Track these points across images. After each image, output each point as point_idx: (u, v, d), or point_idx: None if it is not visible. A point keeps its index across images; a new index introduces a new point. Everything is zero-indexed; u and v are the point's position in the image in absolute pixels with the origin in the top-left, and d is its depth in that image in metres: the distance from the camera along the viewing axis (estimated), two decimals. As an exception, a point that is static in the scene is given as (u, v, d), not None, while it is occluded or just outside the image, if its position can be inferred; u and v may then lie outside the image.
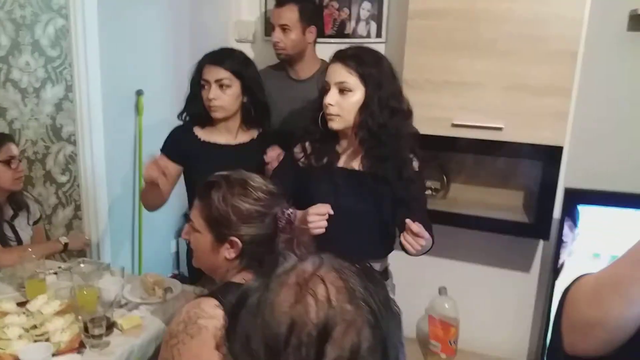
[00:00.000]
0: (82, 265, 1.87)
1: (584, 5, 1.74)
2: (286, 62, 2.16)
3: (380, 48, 2.25)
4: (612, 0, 1.90)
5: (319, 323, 0.56)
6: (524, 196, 2.08)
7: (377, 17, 2.23)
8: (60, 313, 1.58)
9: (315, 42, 2.15)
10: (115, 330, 1.57)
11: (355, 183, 1.59)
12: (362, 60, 1.50)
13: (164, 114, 3.47)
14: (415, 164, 1.59)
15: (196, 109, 1.86)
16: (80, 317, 1.50)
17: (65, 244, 2.19)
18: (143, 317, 1.65)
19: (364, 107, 1.49)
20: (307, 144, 1.63)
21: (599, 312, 0.81)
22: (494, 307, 2.30)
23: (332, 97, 1.52)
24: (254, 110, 1.84)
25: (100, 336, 1.48)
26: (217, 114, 1.81)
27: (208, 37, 3.37)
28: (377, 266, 1.68)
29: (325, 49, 2.30)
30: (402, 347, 0.63)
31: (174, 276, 2.52)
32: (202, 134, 1.89)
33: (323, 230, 1.44)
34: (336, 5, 2.28)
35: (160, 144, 2.01)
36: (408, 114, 1.57)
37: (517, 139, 1.83)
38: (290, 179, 1.63)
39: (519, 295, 2.21)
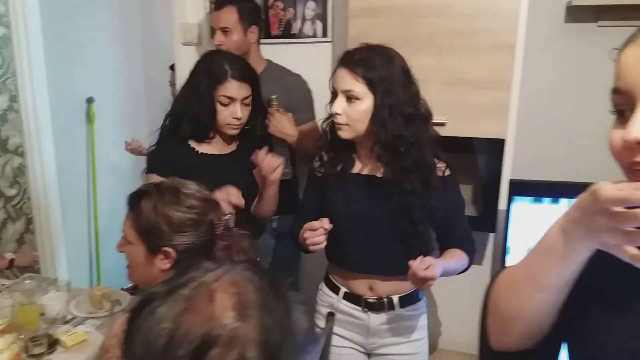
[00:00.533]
0: (27, 281, 1.82)
1: (521, -2, 1.77)
2: None
3: (327, 47, 2.25)
4: (549, -8, 1.94)
5: (198, 339, 0.54)
6: (472, 190, 2.10)
7: (322, 17, 2.22)
8: (0, 333, 1.54)
9: (258, 41, 2.13)
10: (58, 347, 1.53)
11: (371, 189, 1.49)
12: (369, 64, 1.39)
13: (118, 121, 3.43)
14: (443, 169, 1.48)
15: (208, 125, 1.71)
16: (22, 336, 1.46)
17: (11, 260, 2.13)
18: (89, 332, 1.61)
19: (375, 117, 1.40)
20: (323, 153, 1.56)
21: (516, 304, 0.82)
22: (449, 301, 2.33)
23: (339, 106, 1.42)
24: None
25: (41, 355, 1.44)
26: (234, 131, 1.73)
27: (159, 41, 3.34)
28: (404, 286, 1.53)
29: (272, 50, 2.30)
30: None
31: (133, 287, 2.48)
32: (199, 146, 1.75)
33: (320, 246, 1.40)
34: (281, 5, 2.27)
35: (115, 152, 1.92)
36: (426, 117, 1.46)
37: (460, 133, 1.85)
38: (314, 195, 1.59)
39: (472, 288, 2.23)
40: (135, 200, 1.20)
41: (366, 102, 1.39)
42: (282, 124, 1.98)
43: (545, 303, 0.76)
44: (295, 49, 2.28)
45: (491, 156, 1.91)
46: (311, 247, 1.41)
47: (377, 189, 1.47)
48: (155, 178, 1.67)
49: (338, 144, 1.50)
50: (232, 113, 1.67)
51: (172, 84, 2.73)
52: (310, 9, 2.23)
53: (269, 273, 0.64)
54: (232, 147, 1.79)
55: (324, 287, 1.67)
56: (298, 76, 2.15)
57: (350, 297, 1.58)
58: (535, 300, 0.78)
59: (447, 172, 1.48)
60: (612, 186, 0.60)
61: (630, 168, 0.63)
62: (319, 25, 2.23)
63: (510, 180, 1.93)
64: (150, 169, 1.75)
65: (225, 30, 2.03)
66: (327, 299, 1.64)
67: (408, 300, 1.56)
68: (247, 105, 1.71)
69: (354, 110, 1.40)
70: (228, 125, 1.70)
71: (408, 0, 1.81)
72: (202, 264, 0.63)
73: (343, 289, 1.59)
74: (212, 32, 2.11)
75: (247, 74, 1.70)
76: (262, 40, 2.23)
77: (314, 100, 2.14)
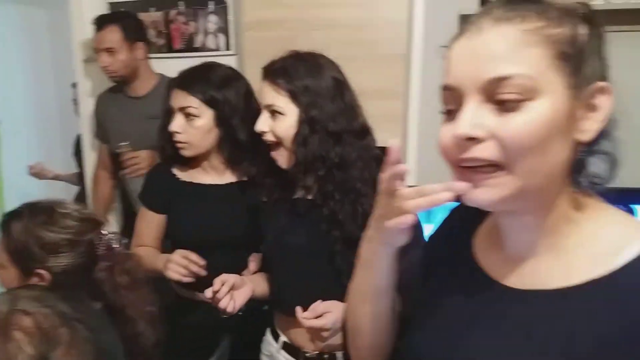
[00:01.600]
0: None
1: (411, 8, 1.79)
2: (122, 83, 2.07)
3: (232, 61, 2.21)
4: (441, 2, 1.97)
5: (35, 355, 0.53)
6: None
7: (225, 30, 2.19)
8: None
9: (147, 57, 2.07)
10: None
11: (302, 215, 1.28)
12: (292, 73, 1.22)
13: (28, 143, 3.28)
14: None
15: (167, 144, 1.51)
16: None
17: None
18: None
19: (296, 134, 1.21)
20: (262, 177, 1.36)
21: (353, 319, 0.86)
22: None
23: (263, 123, 1.24)
24: (236, 145, 1.45)
25: None
26: (185, 152, 1.48)
27: (69, 58, 3.22)
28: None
29: (176, 64, 2.22)
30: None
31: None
32: (182, 174, 1.55)
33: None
34: (183, 19, 2.22)
35: (25, 177, 1.82)
36: (362, 134, 1.27)
37: (358, 143, 1.85)
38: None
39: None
40: (6, 221, 1.14)
41: (291, 117, 1.22)
42: (142, 166, 1.85)
43: (371, 313, 0.80)
44: (200, 62, 2.23)
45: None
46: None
47: (311, 214, 1.27)
48: (145, 212, 1.58)
49: (274, 167, 1.30)
50: (170, 126, 1.45)
51: (76, 102, 2.63)
52: (212, 22, 2.20)
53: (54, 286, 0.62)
54: (232, 177, 1.53)
55: (267, 332, 1.45)
56: None
57: (290, 348, 1.35)
58: (363, 311, 0.81)
59: None
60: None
61: (458, 166, 0.64)
62: (221, 38, 2.20)
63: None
64: (140, 198, 1.60)
65: (110, 51, 1.96)
66: (268, 347, 1.42)
67: None
68: (189, 117, 1.43)
69: (279, 126, 1.22)
70: (175, 144, 1.47)
71: (300, 12, 1.82)
72: None
73: (282, 338, 1.37)
74: (97, 53, 2.04)
75: (192, 80, 1.46)
76: (164, 55, 2.18)
77: None
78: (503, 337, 0.67)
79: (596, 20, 0.63)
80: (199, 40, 2.23)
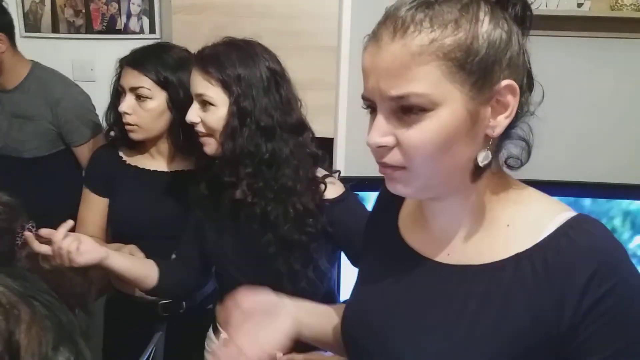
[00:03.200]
0: None
1: (340, 1, 1.83)
2: None
3: (155, 45, 2.15)
4: (370, -4, 2.03)
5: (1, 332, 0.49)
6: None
7: (150, 13, 2.12)
8: None
9: (11, 47, 1.84)
10: None
11: (233, 215, 1.22)
12: (223, 61, 1.15)
13: None
14: (322, 190, 1.20)
15: (115, 125, 1.45)
16: None
17: None
18: None
19: (225, 126, 1.15)
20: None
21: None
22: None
23: (193, 113, 1.17)
24: (186, 131, 1.32)
25: None
26: (133, 135, 1.41)
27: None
28: None
29: (95, 45, 2.14)
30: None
31: None
32: (129, 157, 1.49)
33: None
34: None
35: None
36: (298, 129, 1.21)
37: (289, 133, 1.86)
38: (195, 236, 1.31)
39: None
40: None
41: (222, 108, 1.15)
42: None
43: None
44: (121, 45, 2.13)
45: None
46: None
47: (248, 216, 1.21)
48: (88, 194, 1.49)
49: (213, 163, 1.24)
50: (120, 107, 1.38)
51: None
52: (136, 4, 2.11)
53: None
54: (181, 165, 1.46)
55: (210, 330, 1.41)
56: (72, 86, 1.92)
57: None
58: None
59: (332, 194, 1.21)
60: None
61: (379, 164, 0.69)
62: (145, 21, 2.13)
63: (341, 177, 2.00)
64: (85, 180, 1.55)
65: None
66: (211, 344, 1.39)
67: None
68: (141, 98, 1.37)
69: (210, 118, 1.16)
70: (124, 126, 1.41)
71: (232, -1, 1.79)
72: None
73: (224, 334, 1.31)
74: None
75: (144, 58, 1.40)
76: (83, 36, 2.07)
77: (95, 115, 1.91)
78: (438, 311, 0.71)
79: (512, 7, 0.65)
80: (120, 22, 2.13)
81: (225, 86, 1.16)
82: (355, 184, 1.97)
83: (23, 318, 0.52)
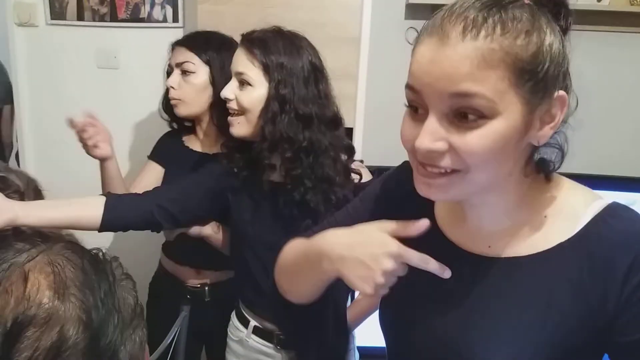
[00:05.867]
0: None
1: (363, -6, 1.85)
2: None
3: (179, 33, 2.16)
4: (391, -11, 2.06)
5: (9, 320, 0.51)
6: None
7: (173, 1, 2.14)
8: None
9: None
10: None
11: (270, 198, 1.26)
12: (270, 47, 1.21)
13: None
14: (357, 179, 1.29)
15: (167, 105, 1.61)
16: None
17: None
18: None
19: (265, 109, 1.21)
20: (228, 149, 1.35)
21: (287, 279, 0.91)
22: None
23: (230, 90, 1.24)
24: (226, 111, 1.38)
25: None
26: (177, 110, 1.54)
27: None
28: None
29: (120, 34, 2.17)
30: (128, 343, 0.59)
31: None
32: (187, 140, 1.67)
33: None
34: (128, -13, 2.15)
35: None
36: (333, 123, 1.27)
37: (311, 122, 1.89)
38: (208, 189, 1.35)
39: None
40: None
41: (259, 89, 1.22)
42: None
43: (308, 289, 0.86)
44: (144, 34, 2.17)
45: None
46: None
47: (280, 202, 1.26)
48: (149, 163, 1.65)
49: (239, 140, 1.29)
50: (167, 81, 1.54)
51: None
52: (160, -8, 2.14)
53: (90, 251, 0.61)
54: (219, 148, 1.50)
55: (234, 318, 1.46)
56: None
57: (261, 332, 1.38)
58: (300, 284, 0.86)
59: (364, 180, 1.30)
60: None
61: (420, 164, 0.68)
62: (169, 10, 2.15)
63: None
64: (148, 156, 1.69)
65: None
66: (237, 332, 1.44)
67: None
68: (186, 73, 1.50)
69: (245, 97, 1.22)
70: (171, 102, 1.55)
71: (257, -11, 1.81)
72: (13, 245, 0.58)
73: (253, 322, 1.39)
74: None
75: (191, 38, 1.56)
76: (108, 24, 2.11)
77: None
78: (482, 303, 0.73)
79: (564, 18, 0.67)
80: (144, 11, 2.16)
81: (267, 70, 1.21)
82: (374, 174, 2.01)
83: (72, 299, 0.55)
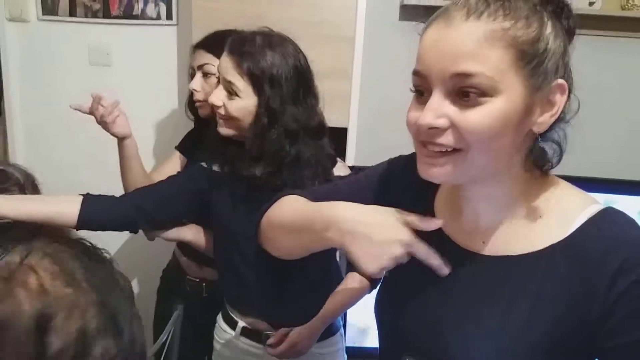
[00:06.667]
0: None
1: (357, -7, 1.85)
2: None
3: (172, 31, 2.16)
4: (385, -11, 2.06)
5: (33, 315, 0.51)
6: (318, 176, 2.17)
7: (167, -1, 2.14)
8: None
9: None
10: None
11: (255, 196, 1.23)
12: (259, 60, 1.20)
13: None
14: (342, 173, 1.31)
15: (192, 110, 1.72)
16: None
17: None
18: None
19: (255, 122, 1.22)
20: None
21: (278, 237, 0.89)
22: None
23: (218, 96, 1.23)
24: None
25: None
26: (202, 110, 1.61)
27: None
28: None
29: (113, 31, 2.15)
30: (137, 319, 0.60)
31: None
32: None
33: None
34: (121, -16, 2.13)
35: None
36: (318, 133, 1.28)
37: (305, 121, 1.89)
38: (189, 187, 1.35)
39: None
40: None
41: (247, 101, 1.22)
42: None
43: (297, 249, 0.86)
44: (137, 31, 2.16)
45: (335, 145, 1.98)
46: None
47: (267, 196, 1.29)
48: (174, 153, 1.72)
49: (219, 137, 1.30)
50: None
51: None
52: (153, -11, 2.13)
53: (75, 240, 0.61)
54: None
55: (220, 321, 1.46)
56: None
57: (249, 332, 1.38)
58: (290, 241, 0.86)
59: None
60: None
61: (422, 144, 0.70)
62: (162, 7, 2.14)
63: (353, 167, 2.03)
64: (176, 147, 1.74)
65: None
66: (224, 334, 1.43)
67: (321, 334, 1.34)
68: (208, 76, 1.52)
69: (232, 106, 1.23)
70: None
71: (253, -14, 1.81)
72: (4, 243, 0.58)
73: (241, 323, 1.39)
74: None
75: (208, 41, 1.56)
76: (100, 20, 2.09)
77: None
78: (472, 300, 0.74)
79: (566, 19, 0.68)
80: (137, 8, 2.15)
81: (256, 84, 1.21)
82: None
83: (65, 302, 0.54)
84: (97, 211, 1.23)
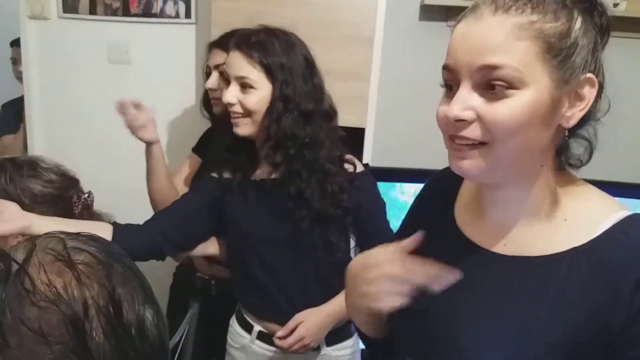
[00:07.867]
0: None
1: (377, -6, 1.83)
2: None
3: (191, 29, 2.17)
4: (405, -10, 2.04)
5: (65, 326, 0.50)
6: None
7: (187, -3, 2.14)
8: None
9: None
10: None
11: (267, 197, 1.28)
12: (268, 49, 1.23)
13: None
14: (351, 170, 1.31)
15: (207, 108, 1.77)
16: None
17: None
18: None
19: (269, 110, 1.23)
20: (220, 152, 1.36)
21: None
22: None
23: (232, 94, 1.23)
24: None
25: None
26: (217, 108, 1.65)
27: (5, 13, 2.99)
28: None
29: (132, 29, 2.17)
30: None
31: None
32: None
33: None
34: (141, -18, 2.14)
35: None
36: (329, 115, 1.31)
37: (322, 122, 1.88)
38: (202, 199, 1.35)
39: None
40: None
41: (262, 91, 1.23)
42: None
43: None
44: (156, 29, 2.17)
45: (352, 145, 1.97)
46: None
47: (277, 196, 1.28)
48: (192, 155, 1.73)
49: (233, 140, 1.30)
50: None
51: (15, 61, 2.47)
52: (173, -12, 2.13)
53: (69, 234, 0.60)
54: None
55: (234, 324, 1.45)
56: None
57: (265, 336, 1.36)
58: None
59: (358, 170, 1.33)
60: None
61: (450, 138, 0.70)
62: (181, 5, 2.15)
63: (370, 167, 2.01)
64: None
65: None
66: (239, 339, 1.42)
67: (336, 337, 1.36)
68: (223, 75, 1.44)
69: (249, 100, 1.23)
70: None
71: (271, -14, 1.80)
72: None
73: (257, 327, 1.38)
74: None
75: (224, 40, 1.55)
76: (120, 18, 2.10)
77: None
78: (493, 301, 0.72)
79: (599, 16, 0.68)
80: (157, 6, 2.16)
81: (269, 72, 1.23)
82: (382, 174, 2.00)
83: (119, 274, 0.54)
84: (127, 241, 1.21)
